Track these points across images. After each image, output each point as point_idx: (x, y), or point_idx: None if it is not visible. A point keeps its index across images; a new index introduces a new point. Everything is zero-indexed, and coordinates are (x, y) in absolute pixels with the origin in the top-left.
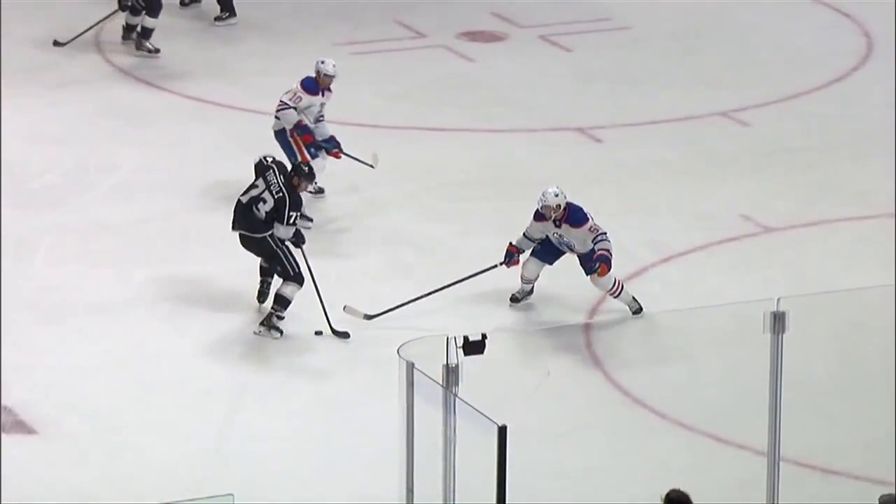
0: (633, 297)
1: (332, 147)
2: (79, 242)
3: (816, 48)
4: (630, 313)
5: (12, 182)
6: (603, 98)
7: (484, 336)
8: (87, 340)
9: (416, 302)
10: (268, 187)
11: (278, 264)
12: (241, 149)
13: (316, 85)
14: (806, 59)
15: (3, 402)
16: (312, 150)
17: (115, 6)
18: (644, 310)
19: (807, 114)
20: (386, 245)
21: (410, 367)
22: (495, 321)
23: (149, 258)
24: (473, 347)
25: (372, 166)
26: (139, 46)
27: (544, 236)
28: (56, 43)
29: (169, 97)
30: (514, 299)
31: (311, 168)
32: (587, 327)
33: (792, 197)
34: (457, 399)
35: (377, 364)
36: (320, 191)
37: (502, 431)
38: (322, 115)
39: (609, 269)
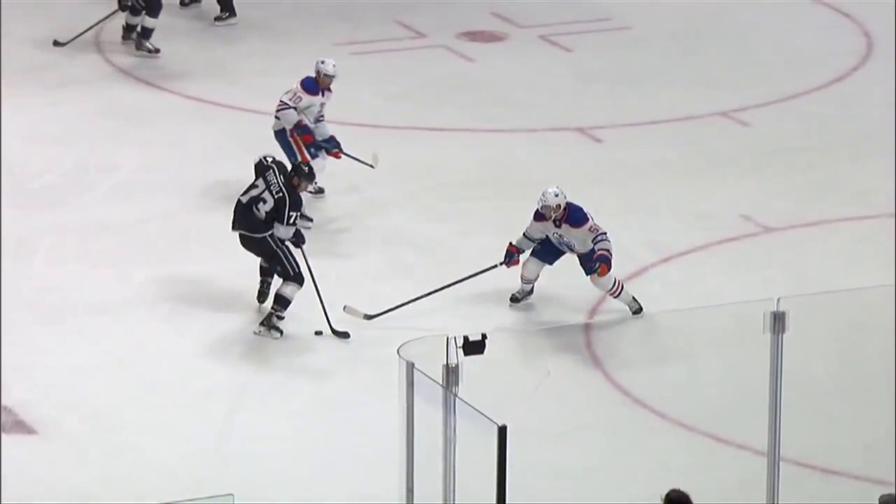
0: (633, 297)
1: (332, 147)
2: (79, 242)
3: (816, 48)
4: (630, 313)
5: (12, 182)
6: (603, 98)
7: (484, 336)
8: (87, 340)
9: (416, 302)
10: (268, 187)
11: (278, 264)
12: (240, 149)
13: (316, 85)
14: (806, 59)
15: (3, 402)
16: (312, 150)
17: (116, 6)
18: (644, 310)
19: (807, 114)
20: (386, 245)
21: (410, 367)
22: (495, 321)
23: (149, 258)
24: (473, 347)
25: (372, 166)
26: (139, 46)
27: (544, 236)
28: (56, 43)
29: (169, 97)
30: (514, 299)
31: (310, 168)
32: (587, 327)
33: (792, 197)
34: (457, 399)
35: (377, 364)
36: (320, 191)
37: (502, 431)
38: (322, 115)
39: (609, 269)
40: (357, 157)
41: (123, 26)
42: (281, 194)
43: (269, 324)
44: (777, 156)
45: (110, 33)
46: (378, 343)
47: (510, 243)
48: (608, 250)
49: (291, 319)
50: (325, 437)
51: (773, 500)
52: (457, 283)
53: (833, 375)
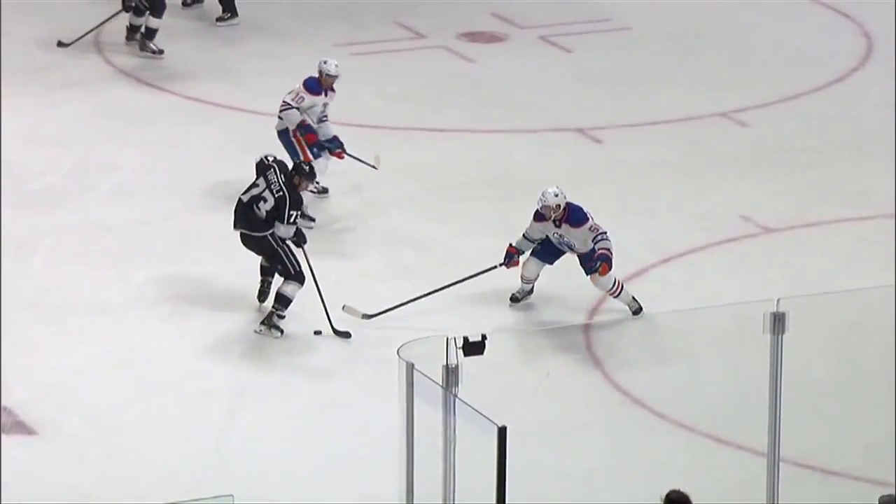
0: (633, 297)
1: (335, 147)
2: (79, 243)
3: (816, 49)
4: (630, 313)
5: (12, 183)
6: (603, 99)
7: (484, 337)
8: (87, 341)
9: (416, 302)
10: (268, 186)
11: (279, 263)
12: (241, 149)
13: (319, 85)
14: (806, 59)
15: (3, 402)
16: (315, 149)
17: (119, 7)
18: (644, 310)
19: (806, 114)
20: (386, 245)
21: (410, 367)
22: (495, 321)
23: (149, 259)
24: (473, 348)
25: (375, 167)
26: (143, 47)
27: (544, 237)
28: (60, 44)
29: (169, 98)
30: (514, 299)
31: (311, 167)
32: (587, 327)
33: (792, 197)
34: (457, 399)
35: (377, 364)
36: (324, 191)
37: (502, 432)
38: (325, 116)
39: (610, 269)
40: (360, 157)
41: (127, 27)
42: (281, 193)
43: (270, 323)
44: (777, 156)
45: (110, 34)
46: (378, 343)
47: (510, 244)
48: (609, 249)
49: (292, 319)
50: (325, 438)
51: (773, 500)
52: (456, 283)
53: (833, 376)
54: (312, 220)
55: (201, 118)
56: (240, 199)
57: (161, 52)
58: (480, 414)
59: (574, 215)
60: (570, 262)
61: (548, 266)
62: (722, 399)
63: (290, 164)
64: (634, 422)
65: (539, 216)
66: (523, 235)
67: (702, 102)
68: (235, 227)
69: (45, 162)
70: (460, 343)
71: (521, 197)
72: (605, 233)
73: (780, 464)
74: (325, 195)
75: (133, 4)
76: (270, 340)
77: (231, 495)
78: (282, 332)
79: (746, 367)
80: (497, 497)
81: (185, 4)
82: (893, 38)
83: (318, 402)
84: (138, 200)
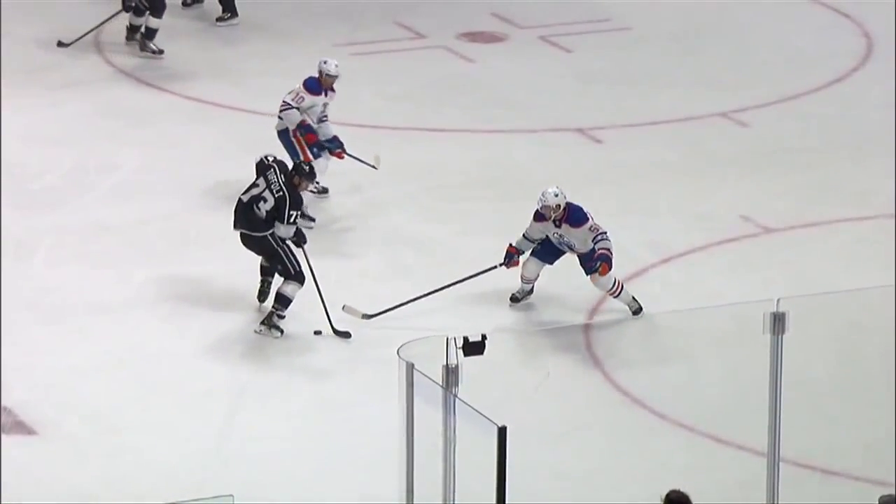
0: (633, 297)
1: (335, 147)
2: (79, 243)
3: (816, 49)
4: (630, 313)
5: (12, 183)
6: (603, 99)
7: (484, 337)
8: (87, 341)
9: (416, 302)
10: (268, 186)
11: (279, 263)
12: (241, 149)
13: (319, 85)
14: (806, 59)
15: (3, 402)
16: (315, 149)
17: (119, 7)
18: (644, 310)
19: (806, 114)
20: (386, 245)
21: (410, 367)
22: (495, 321)
23: (149, 259)
24: (473, 348)
25: (375, 167)
26: (143, 47)
27: (544, 237)
28: (60, 44)
29: (169, 98)
30: (514, 299)
31: (311, 167)
32: (587, 327)
33: (792, 197)
34: (457, 400)
35: (377, 364)
36: (324, 191)
37: (502, 432)
38: (325, 116)
39: (610, 268)
40: (360, 157)
41: (127, 27)
42: (281, 193)
43: (270, 323)
44: (777, 156)
45: (110, 34)
46: (378, 343)
47: (510, 244)
48: (609, 249)
49: (292, 319)
50: (325, 438)
51: (773, 500)
52: (456, 283)
53: (833, 376)
54: (312, 220)
55: (201, 118)
56: (240, 199)
57: (161, 52)
58: (480, 414)
59: (574, 215)
60: (570, 262)
61: (548, 266)
62: (722, 399)
63: (290, 165)
64: (634, 422)
65: (539, 216)
66: (523, 235)
67: (702, 102)
68: (235, 227)
69: (45, 162)
70: (460, 343)
71: (521, 197)
72: (605, 233)
73: (780, 464)
74: (326, 195)
75: (133, 4)
76: (270, 340)
77: (231, 495)
78: (282, 332)
79: (746, 367)
80: (497, 497)
81: (184, 4)
82: (893, 38)
83: (318, 402)
84: (138, 200)
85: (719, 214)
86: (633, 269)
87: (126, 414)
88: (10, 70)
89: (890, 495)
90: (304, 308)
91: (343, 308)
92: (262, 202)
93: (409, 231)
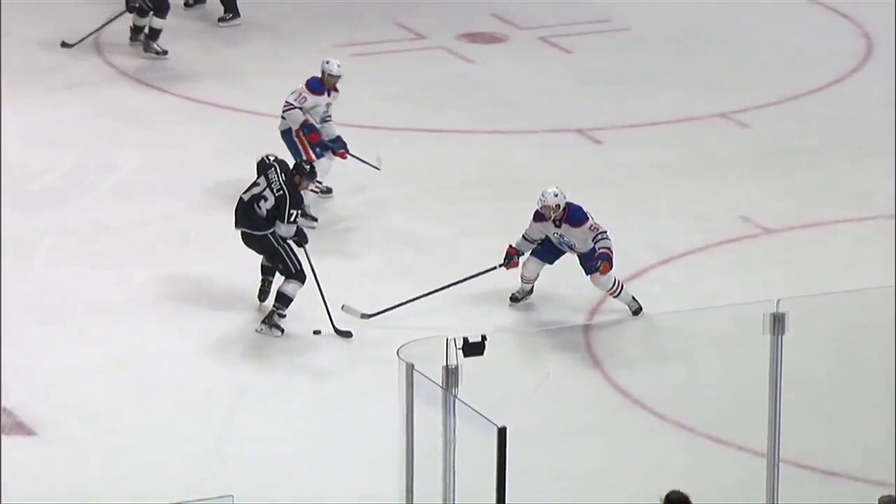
0: (633, 297)
1: (338, 147)
2: (79, 244)
3: (816, 49)
4: (630, 313)
5: (12, 183)
6: (603, 99)
7: (483, 338)
8: (87, 342)
9: (416, 302)
10: (269, 185)
11: (280, 262)
12: (240, 150)
13: (321, 85)
14: (805, 60)
15: (3, 403)
16: (318, 149)
17: (123, 7)
18: (644, 310)
19: (806, 115)
20: (386, 246)
21: (410, 368)
22: (495, 321)
23: (149, 259)
24: (473, 349)
25: (377, 168)
26: (147, 48)
27: (544, 237)
28: (64, 44)
29: (169, 98)
30: (514, 299)
31: (312, 167)
32: (587, 328)
33: (791, 198)
34: (456, 400)
35: (377, 365)
36: (328, 191)
37: (502, 433)
38: (329, 116)
39: (611, 267)
40: (362, 157)
41: (131, 28)
42: (281, 192)
43: (271, 322)
44: (777, 157)
45: (110, 35)
46: (378, 343)
47: (510, 245)
48: (609, 248)
49: (292, 318)
50: (324, 438)
51: (773, 501)
52: (456, 283)
53: (833, 376)
54: (315, 219)
55: (201, 119)
56: (241, 198)
57: (165, 52)
58: (480, 415)
59: (574, 215)
60: (570, 262)
61: (548, 266)
62: (722, 399)
63: (291, 164)
64: (634, 422)
65: (539, 216)
66: (523, 236)
67: (702, 103)
68: (237, 225)
69: (45, 162)
70: (460, 344)
71: (521, 197)
72: (605, 232)
73: (780, 464)
74: (329, 195)
75: (137, 5)
76: (271, 340)
77: (231, 495)
78: (282, 331)
79: (746, 367)
80: (497, 497)
81: (187, 5)
82: (893, 39)
83: (318, 403)
84: (138, 201)
85: (719, 215)
86: (633, 269)
87: (126, 414)
88: (10, 70)
89: (890, 496)
90: (304, 307)
91: (342, 308)
92: (262, 201)
93: (410, 231)
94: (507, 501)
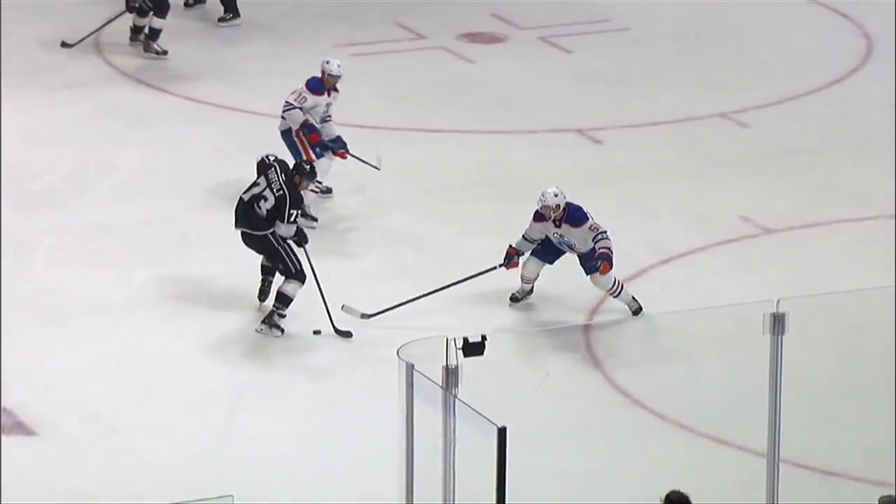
0: (633, 297)
1: (338, 147)
2: (79, 244)
3: (816, 49)
4: (630, 313)
5: (12, 183)
6: (603, 99)
7: (483, 338)
8: (87, 342)
9: (416, 302)
10: (269, 185)
11: (280, 262)
12: (240, 150)
13: (321, 85)
14: (805, 60)
15: (3, 403)
16: (318, 149)
17: (123, 7)
18: (644, 310)
19: (806, 115)
20: (386, 246)
21: (410, 368)
22: (495, 321)
23: (149, 259)
24: (473, 349)
25: (377, 168)
26: (147, 48)
27: (544, 237)
28: (64, 44)
29: (169, 98)
30: (514, 299)
31: (312, 166)
32: (587, 328)
33: (791, 198)
34: (456, 400)
35: (377, 364)
36: (328, 191)
37: (502, 433)
38: (329, 116)
39: (611, 267)
40: (362, 157)
41: (131, 28)
42: (281, 192)
43: (271, 322)
44: (776, 157)
45: (110, 35)
46: (378, 343)
47: (510, 245)
48: (609, 248)
49: (292, 318)
50: (325, 438)
51: (773, 501)
52: (457, 283)
53: (833, 376)
54: (315, 219)
55: (201, 119)
56: (241, 198)
57: (165, 52)
58: (480, 415)
59: (574, 215)
60: (570, 262)
61: (548, 266)
62: (722, 399)
63: (291, 164)
64: (634, 422)
65: (539, 216)
66: (523, 236)
67: (701, 103)
68: (237, 225)
69: (45, 162)
70: (460, 343)
71: (521, 197)
72: (605, 232)
73: (780, 464)
74: (330, 195)
75: (137, 5)
76: (271, 340)
77: (231, 495)
78: (282, 331)
79: (746, 367)
80: (497, 497)
81: (187, 5)
82: (893, 39)
83: (318, 403)
84: (138, 201)
85: (719, 215)
86: (633, 269)
87: (126, 414)
88: (10, 70)
89: (890, 496)
90: (304, 307)
91: (342, 308)
92: (262, 201)
93: (410, 231)
94: (507, 501)
